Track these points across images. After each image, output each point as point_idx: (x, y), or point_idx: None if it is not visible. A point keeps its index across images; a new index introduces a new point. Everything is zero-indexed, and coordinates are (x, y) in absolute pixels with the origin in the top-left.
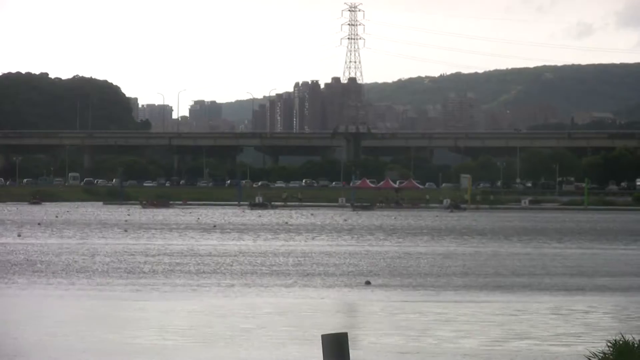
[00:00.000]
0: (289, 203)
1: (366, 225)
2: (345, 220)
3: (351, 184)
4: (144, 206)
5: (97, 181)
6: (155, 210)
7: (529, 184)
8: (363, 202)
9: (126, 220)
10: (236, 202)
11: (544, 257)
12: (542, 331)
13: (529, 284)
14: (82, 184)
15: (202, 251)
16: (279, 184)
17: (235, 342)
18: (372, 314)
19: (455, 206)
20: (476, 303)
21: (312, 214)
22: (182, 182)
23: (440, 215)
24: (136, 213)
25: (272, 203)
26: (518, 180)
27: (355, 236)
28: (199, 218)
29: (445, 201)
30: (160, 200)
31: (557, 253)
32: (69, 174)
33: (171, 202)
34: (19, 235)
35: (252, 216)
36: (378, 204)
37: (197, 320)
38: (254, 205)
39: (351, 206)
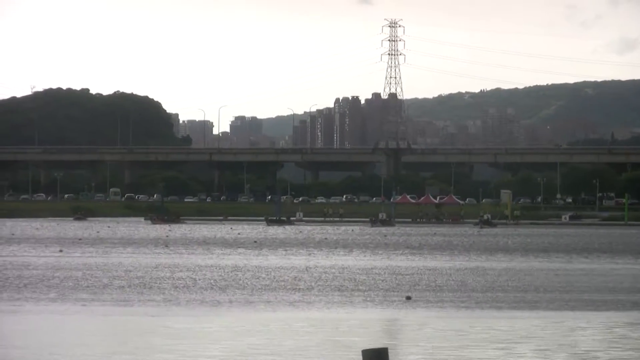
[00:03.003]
0: (328, 219)
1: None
2: (385, 236)
3: (391, 200)
4: (154, 222)
5: (138, 197)
6: (171, 225)
7: (569, 200)
8: (381, 218)
9: (167, 236)
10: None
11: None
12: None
13: (557, 299)
14: (123, 199)
15: (250, 267)
16: (320, 199)
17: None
18: (412, 329)
19: (486, 222)
20: (523, 319)
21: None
22: (222, 197)
23: (464, 234)
24: (176, 228)
25: (291, 218)
26: (558, 195)
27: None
28: (239, 233)
29: (485, 216)
30: (170, 216)
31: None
32: (110, 190)
33: (182, 217)
34: (61, 251)
35: (275, 231)
36: (418, 220)
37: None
38: (270, 221)
39: (370, 222)
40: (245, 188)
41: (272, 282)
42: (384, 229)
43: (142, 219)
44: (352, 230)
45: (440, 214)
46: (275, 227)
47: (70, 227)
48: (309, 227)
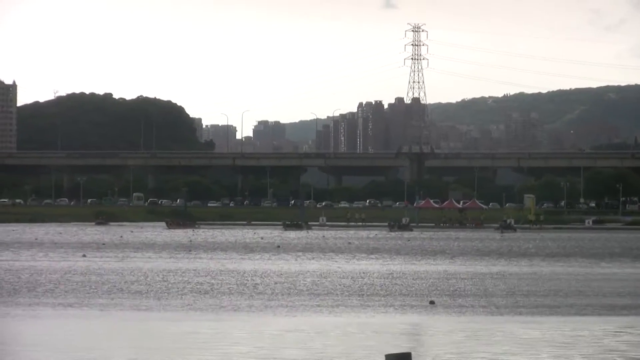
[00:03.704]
0: (351, 223)
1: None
2: (408, 240)
3: (414, 204)
4: (169, 226)
5: (162, 201)
6: (186, 230)
7: (593, 204)
8: (400, 223)
9: (190, 241)
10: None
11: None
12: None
13: (576, 304)
14: (146, 204)
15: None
16: (343, 204)
17: None
18: (436, 334)
19: (507, 227)
20: (548, 324)
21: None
22: (246, 202)
23: (483, 239)
24: (199, 233)
25: (309, 223)
26: (581, 200)
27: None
28: (262, 237)
29: (508, 220)
30: (186, 221)
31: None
32: (134, 194)
33: (198, 222)
34: (84, 256)
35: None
36: (442, 224)
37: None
38: (288, 226)
39: (389, 226)
40: (269, 193)
41: (292, 286)
42: (404, 234)
43: (163, 224)
44: (371, 235)
45: (463, 218)
46: (293, 231)
47: (91, 232)
48: (327, 232)
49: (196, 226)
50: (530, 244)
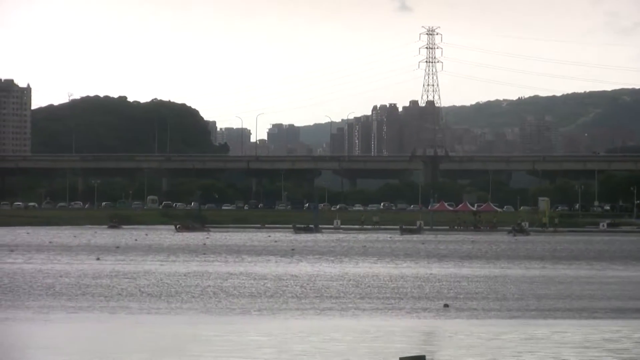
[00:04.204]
0: (365, 226)
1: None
2: (423, 244)
3: (429, 207)
4: (178, 230)
5: (176, 204)
6: (195, 234)
7: (607, 207)
8: (411, 226)
9: (204, 244)
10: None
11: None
12: None
13: (589, 307)
14: (160, 207)
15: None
16: (357, 207)
17: None
18: (450, 337)
19: (519, 230)
20: (561, 327)
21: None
22: (260, 205)
23: (495, 242)
24: (214, 236)
25: (319, 226)
26: (596, 203)
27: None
28: (275, 241)
29: (523, 223)
30: (196, 224)
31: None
32: (148, 197)
33: (207, 225)
34: (98, 259)
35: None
36: (456, 227)
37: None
38: (298, 229)
39: (400, 229)
40: (283, 196)
41: (308, 289)
42: (414, 237)
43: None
44: (380, 238)
45: (477, 221)
46: (303, 234)
47: (103, 235)
48: (338, 235)
49: (205, 229)
50: (543, 246)
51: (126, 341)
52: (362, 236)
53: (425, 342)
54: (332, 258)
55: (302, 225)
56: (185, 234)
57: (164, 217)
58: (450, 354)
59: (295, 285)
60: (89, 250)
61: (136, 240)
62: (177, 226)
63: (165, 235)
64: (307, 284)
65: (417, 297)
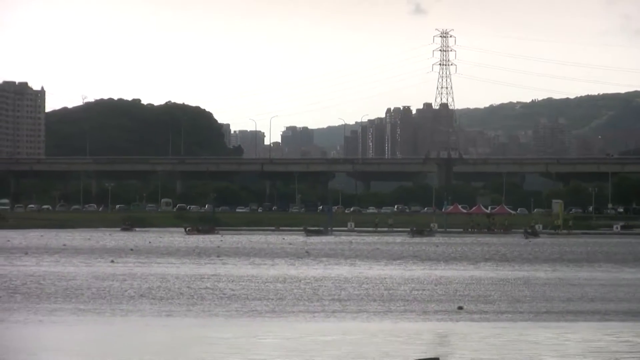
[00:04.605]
0: (380, 228)
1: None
2: (437, 246)
3: (442, 210)
4: (188, 232)
5: (190, 207)
6: (204, 236)
7: (621, 209)
8: (421, 228)
9: (218, 247)
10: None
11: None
12: None
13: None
14: (174, 209)
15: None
16: (371, 209)
17: None
18: (464, 340)
19: (531, 233)
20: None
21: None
22: (274, 207)
23: (506, 244)
24: (227, 238)
25: (329, 229)
26: (610, 205)
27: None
28: (290, 243)
29: (537, 225)
30: (205, 227)
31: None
32: (162, 200)
33: (217, 227)
34: (112, 261)
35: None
36: (470, 230)
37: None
38: (309, 232)
39: (410, 232)
40: (297, 198)
41: (335, 292)
42: (424, 239)
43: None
44: (391, 240)
45: (491, 224)
46: (314, 237)
47: (115, 238)
48: (349, 238)
49: (215, 232)
50: (555, 249)
51: (137, 343)
52: (372, 238)
53: (439, 344)
54: (344, 260)
55: (313, 228)
56: (194, 236)
57: (178, 220)
58: (464, 356)
59: (308, 288)
60: (102, 252)
61: (150, 242)
62: (187, 229)
63: (176, 237)
64: (321, 287)
65: (430, 300)
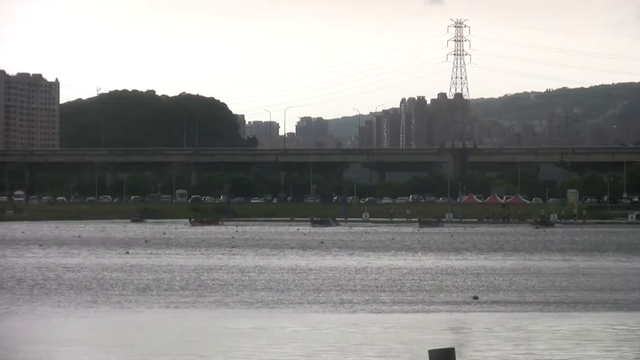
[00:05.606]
0: (395, 219)
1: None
2: (452, 236)
3: (457, 200)
4: (193, 224)
5: (205, 198)
6: (208, 227)
7: (636, 199)
8: (430, 218)
9: (233, 237)
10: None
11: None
12: None
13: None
14: (189, 201)
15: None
16: (386, 200)
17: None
18: (479, 329)
19: (543, 222)
20: (587, 319)
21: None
22: (289, 198)
23: (515, 234)
24: (243, 230)
25: (337, 219)
26: (625, 195)
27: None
28: (304, 234)
29: (552, 215)
30: (210, 218)
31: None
32: (177, 191)
33: (221, 219)
34: (127, 253)
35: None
36: (485, 220)
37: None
38: (316, 222)
39: (419, 222)
40: (312, 189)
41: (347, 282)
42: (435, 230)
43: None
44: (399, 231)
45: (506, 214)
46: (320, 227)
47: (125, 230)
48: (357, 228)
49: (220, 223)
50: (567, 237)
51: (154, 334)
52: (384, 229)
53: (455, 334)
54: (357, 251)
55: (320, 219)
56: (199, 227)
57: (193, 211)
58: (480, 346)
59: (319, 278)
60: (116, 243)
61: (164, 234)
62: (192, 220)
63: (185, 228)
64: (335, 276)
65: (446, 290)
